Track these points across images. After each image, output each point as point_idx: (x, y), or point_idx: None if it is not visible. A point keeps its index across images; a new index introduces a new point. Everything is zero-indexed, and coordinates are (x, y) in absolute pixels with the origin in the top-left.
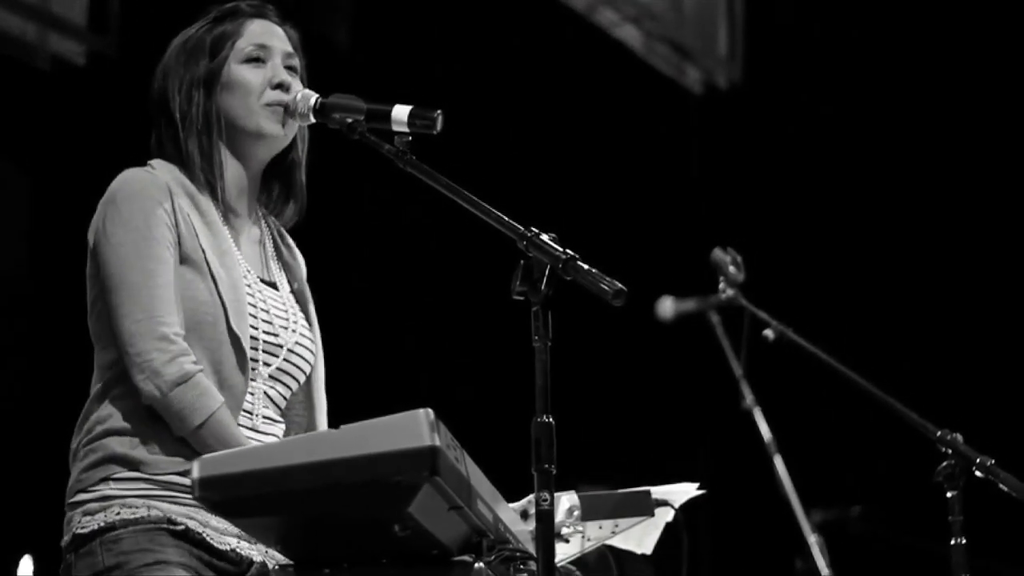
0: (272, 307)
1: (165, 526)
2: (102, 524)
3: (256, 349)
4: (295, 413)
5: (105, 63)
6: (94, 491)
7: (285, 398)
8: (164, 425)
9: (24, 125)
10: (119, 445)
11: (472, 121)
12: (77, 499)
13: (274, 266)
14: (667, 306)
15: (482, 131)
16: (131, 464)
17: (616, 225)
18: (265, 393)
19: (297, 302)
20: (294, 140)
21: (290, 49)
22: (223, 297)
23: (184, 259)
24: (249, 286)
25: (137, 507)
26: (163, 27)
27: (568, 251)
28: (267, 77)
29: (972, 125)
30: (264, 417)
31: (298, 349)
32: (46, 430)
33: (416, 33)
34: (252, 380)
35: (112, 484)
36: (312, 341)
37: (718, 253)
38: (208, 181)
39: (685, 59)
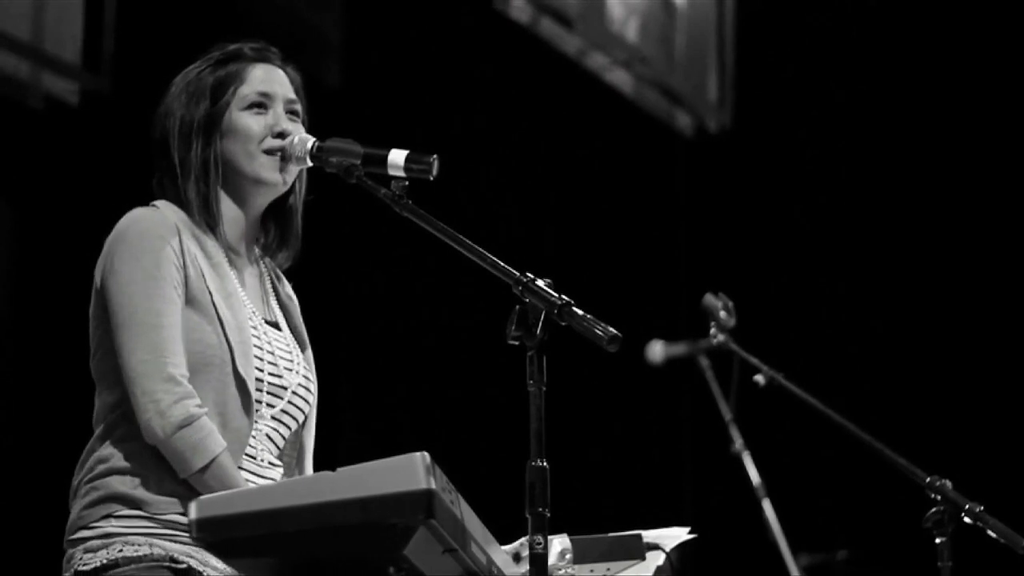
0: (277, 348)
1: (168, 564)
2: (105, 561)
3: (261, 391)
4: (286, 454)
5: (99, 102)
6: (96, 528)
7: (284, 439)
8: (167, 466)
9: (17, 164)
10: (121, 484)
11: (464, 164)
12: (79, 536)
13: (275, 307)
14: (657, 350)
15: (474, 174)
16: (133, 503)
17: (606, 268)
18: (267, 435)
19: (297, 343)
20: (293, 186)
21: (292, 95)
22: (230, 340)
23: (190, 300)
24: (255, 328)
25: (139, 545)
26: (157, 66)
27: (563, 297)
28: (268, 124)
29: (962, 174)
30: (268, 463)
31: (300, 391)
32: (28, 466)
33: (407, 75)
34: (256, 421)
35: (114, 521)
36: (311, 381)
37: (710, 298)
38: (208, 225)
39: (675, 104)
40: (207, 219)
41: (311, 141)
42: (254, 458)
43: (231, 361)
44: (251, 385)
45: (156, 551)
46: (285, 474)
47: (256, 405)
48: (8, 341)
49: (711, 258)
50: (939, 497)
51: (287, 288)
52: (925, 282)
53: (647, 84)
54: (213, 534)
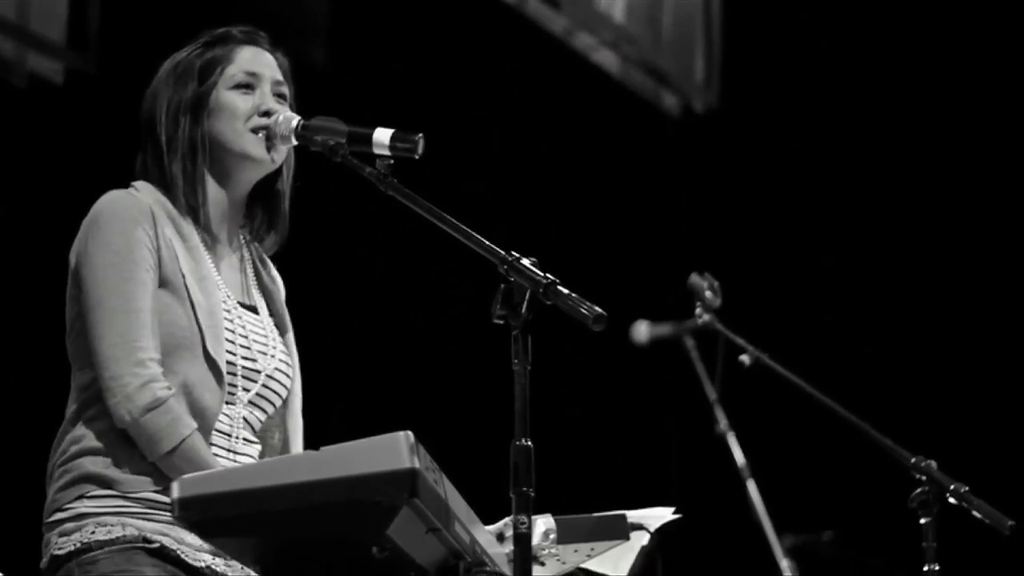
0: (251, 332)
1: (141, 544)
2: (78, 545)
3: (234, 375)
4: (271, 436)
5: (84, 81)
6: (69, 509)
7: (261, 421)
8: (137, 447)
9: (1, 144)
10: (93, 465)
11: (450, 143)
12: (54, 519)
13: (255, 292)
14: (642, 330)
15: (460, 153)
16: (105, 483)
17: (592, 248)
18: (244, 418)
19: (276, 327)
20: (280, 169)
21: (279, 77)
22: (200, 322)
23: (164, 282)
24: (228, 311)
25: (112, 526)
26: (142, 45)
27: (548, 276)
28: (255, 104)
29: (950, 150)
30: (244, 439)
31: (276, 375)
32: (20, 451)
33: (394, 54)
34: (231, 404)
35: (87, 502)
36: (289, 366)
37: (695, 278)
38: (190, 206)
39: (662, 84)
40: (191, 199)
41: (296, 119)
42: (229, 435)
43: (201, 343)
44: (222, 367)
45: (128, 531)
46: (270, 457)
47: (231, 388)
48: None
49: (697, 238)
50: (924, 477)
51: (271, 272)
52: (912, 263)
53: (634, 64)
54: (196, 513)
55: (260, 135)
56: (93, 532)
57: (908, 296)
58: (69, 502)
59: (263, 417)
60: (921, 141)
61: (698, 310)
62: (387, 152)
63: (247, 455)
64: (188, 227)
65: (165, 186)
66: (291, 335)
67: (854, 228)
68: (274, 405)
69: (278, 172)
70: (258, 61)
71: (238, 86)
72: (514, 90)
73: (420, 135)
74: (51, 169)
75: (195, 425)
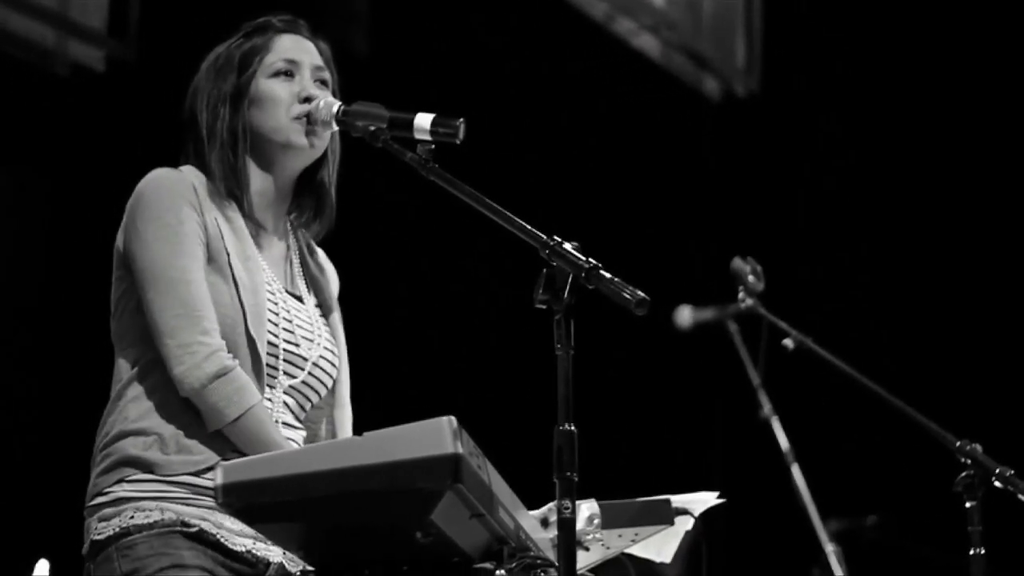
0: (296, 317)
1: (179, 528)
2: (117, 530)
3: (276, 356)
4: (319, 426)
5: (124, 69)
6: (109, 493)
7: (304, 408)
8: (178, 425)
9: (44, 131)
10: (132, 447)
11: (493, 129)
12: (94, 503)
13: (300, 281)
14: (685, 315)
15: (503, 139)
16: (144, 466)
17: (635, 233)
18: (284, 403)
19: (323, 316)
20: (324, 157)
21: (319, 63)
22: (243, 301)
23: (209, 259)
24: (272, 294)
25: (150, 511)
26: (182, 33)
27: (591, 260)
28: (295, 91)
29: (990, 135)
30: (283, 423)
31: (321, 363)
32: (65, 434)
33: (435, 41)
34: (272, 387)
35: (126, 486)
36: (335, 355)
37: (738, 262)
38: (232, 194)
39: (703, 69)
40: (233, 187)
41: (337, 104)
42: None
43: (243, 322)
44: (262, 348)
45: (167, 516)
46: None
47: (271, 371)
48: (41, 307)
49: (739, 222)
50: (969, 461)
51: (320, 260)
52: (954, 244)
53: (674, 49)
54: (238, 499)
55: (301, 122)
56: (132, 517)
57: (952, 279)
58: (109, 486)
59: (306, 404)
60: (959, 126)
61: (741, 294)
62: (428, 137)
63: (290, 439)
64: (232, 210)
65: (208, 175)
66: (339, 323)
67: (894, 211)
68: (319, 394)
69: (323, 160)
70: (298, 48)
71: (278, 74)
72: (555, 76)
73: (461, 120)
74: (93, 156)
75: (260, 396)
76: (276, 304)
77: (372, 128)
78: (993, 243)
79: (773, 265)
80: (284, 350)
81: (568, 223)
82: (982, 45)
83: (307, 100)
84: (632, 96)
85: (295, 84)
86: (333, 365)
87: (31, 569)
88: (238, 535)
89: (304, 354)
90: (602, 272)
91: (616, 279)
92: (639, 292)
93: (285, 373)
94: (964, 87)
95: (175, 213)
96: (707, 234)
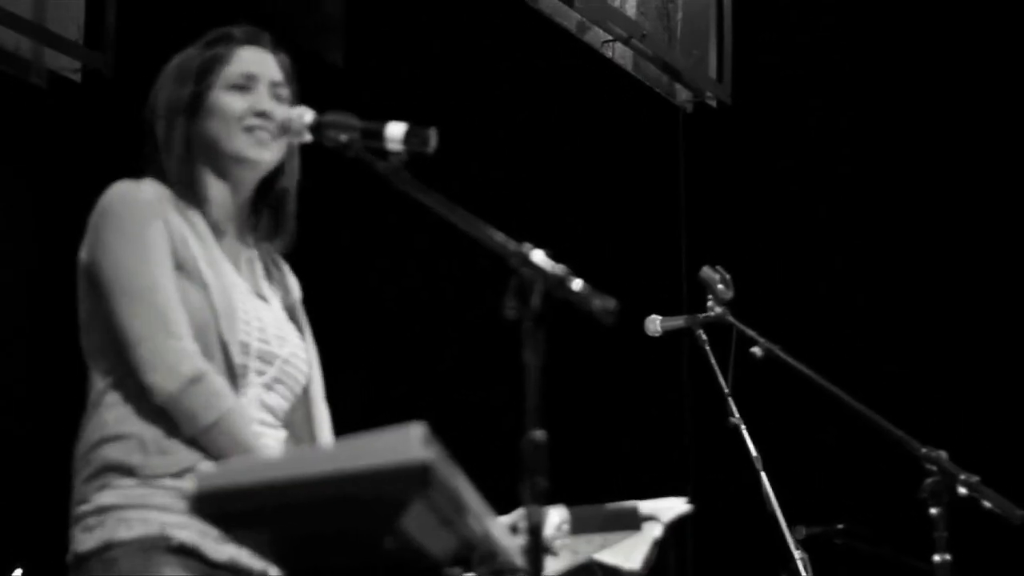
0: (263, 317)
1: (161, 544)
2: (99, 543)
3: (247, 355)
4: (297, 428)
5: (101, 79)
6: (91, 501)
7: (281, 407)
8: (157, 428)
9: (20, 141)
10: (113, 451)
11: (467, 138)
12: (79, 511)
13: (264, 285)
14: (656, 324)
15: (477, 148)
16: (125, 470)
17: (606, 242)
18: (260, 400)
19: (290, 319)
20: (282, 168)
21: (279, 78)
22: (214, 304)
23: (177, 266)
24: (241, 295)
25: (132, 522)
26: (158, 44)
27: (560, 267)
28: (249, 105)
29: (961, 149)
30: (262, 423)
31: (293, 359)
32: (46, 442)
33: (409, 51)
34: (247, 387)
35: (108, 492)
36: (305, 351)
37: (707, 271)
38: (192, 202)
39: (675, 79)
40: (190, 198)
41: (309, 114)
42: None
43: (215, 324)
44: (234, 348)
45: (150, 528)
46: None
47: (242, 370)
48: (17, 315)
49: (709, 232)
50: (935, 468)
51: (284, 271)
52: (924, 256)
53: (647, 59)
54: (209, 506)
55: (253, 134)
56: (115, 528)
57: (918, 288)
58: (92, 494)
59: (285, 404)
60: (933, 138)
61: (710, 303)
62: (400, 147)
63: (267, 442)
64: (196, 216)
65: (168, 183)
66: (306, 324)
67: (865, 222)
68: (293, 392)
69: (279, 171)
70: (256, 61)
71: (234, 87)
72: (528, 86)
73: (433, 129)
74: (69, 166)
75: (235, 399)
76: (245, 304)
77: (344, 138)
78: (962, 252)
79: (742, 274)
80: (256, 349)
81: (541, 231)
82: (959, 54)
83: (261, 115)
84: (604, 106)
85: (250, 97)
86: (304, 361)
87: None
88: (222, 544)
89: (276, 351)
90: (571, 280)
91: (585, 287)
92: (608, 300)
93: (258, 372)
94: (940, 97)
95: (140, 223)
96: (677, 243)
